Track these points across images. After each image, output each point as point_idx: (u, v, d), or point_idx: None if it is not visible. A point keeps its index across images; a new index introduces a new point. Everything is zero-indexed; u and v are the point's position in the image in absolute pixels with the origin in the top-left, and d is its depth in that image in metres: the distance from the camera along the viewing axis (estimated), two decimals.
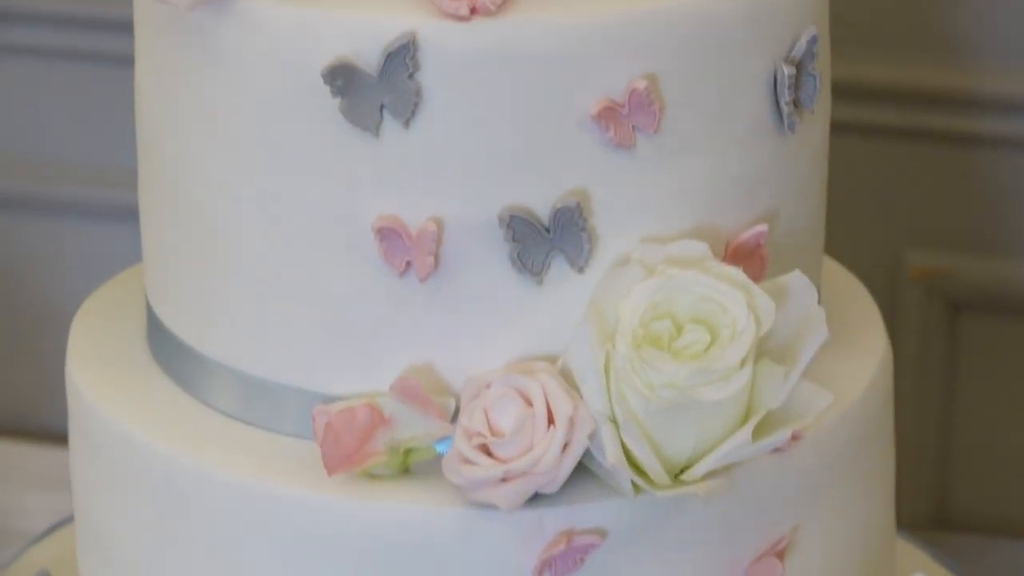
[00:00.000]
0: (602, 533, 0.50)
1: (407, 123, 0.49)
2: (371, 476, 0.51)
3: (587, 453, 0.49)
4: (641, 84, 0.49)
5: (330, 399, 0.52)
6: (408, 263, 0.50)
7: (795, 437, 0.50)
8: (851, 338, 0.59)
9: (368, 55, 0.49)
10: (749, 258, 0.53)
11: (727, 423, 0.49)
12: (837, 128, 0.60)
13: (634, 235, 0.51)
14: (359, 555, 0.51)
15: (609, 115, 0.49)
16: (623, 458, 0.48)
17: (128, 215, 0.66)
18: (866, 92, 0.82)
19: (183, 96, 0.54)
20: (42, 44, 0.92)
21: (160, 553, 0.55)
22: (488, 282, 0.51)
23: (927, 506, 0.89)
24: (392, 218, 0.50)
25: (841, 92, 0.62)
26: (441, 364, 0.52)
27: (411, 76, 0.48)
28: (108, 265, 0.70)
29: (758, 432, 0.49)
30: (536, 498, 0.49)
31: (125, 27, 0.61)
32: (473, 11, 0.48)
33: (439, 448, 0.51)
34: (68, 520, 0.69)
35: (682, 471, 0.49)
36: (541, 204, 0.50)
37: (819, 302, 0.52)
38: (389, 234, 0.50)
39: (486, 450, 0.48)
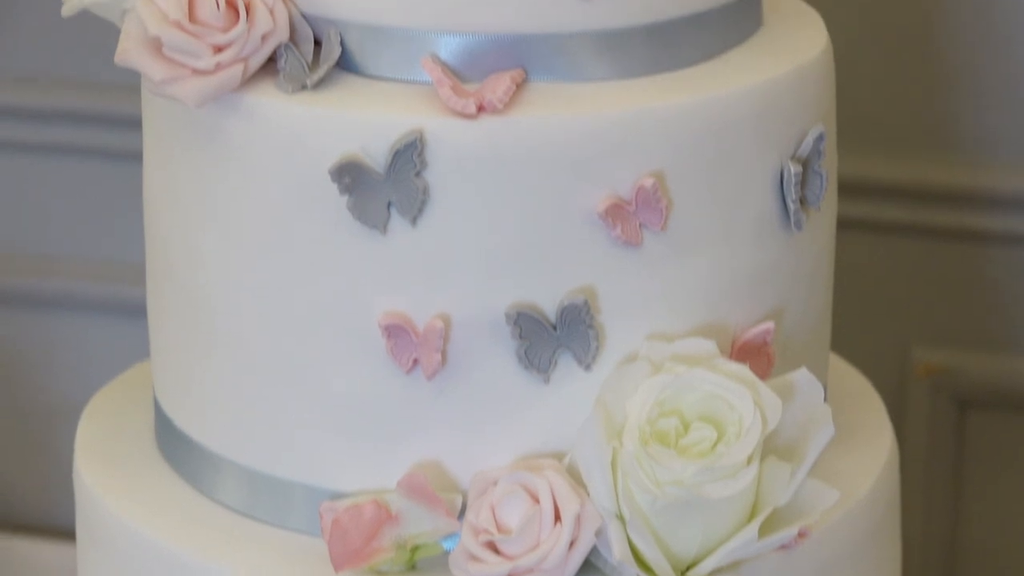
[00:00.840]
0: None
1: (414, 221, 0.49)
2: (378, 572, 0.51)
3: (594, 550, 0.49)
4: (648, 182, 0.49)
5: (337, 495, 0.52)
6: (415, 360, 0.50)
7: (802, 534, 0.50)
8: (858, 435, 0.59)
9: (375, 153, 0.49)
10: (756, 355, 0.53)
11: (734, 520, 0.49)
12: (843, 224, 0.61)
13: (641, 332, 0.51)
14: None
15: (616, 212, 0.49)
16: (630, 555, 0.48)
17: (137, 311, 0.66)
18: (872, 189, 0.82)
19: (191, 191, 0.55)
20: (51, 140, 0.92)
21: None
22: (495, 379, 0.51)
23: None
24: (399, 315, 0.50)
25: (847, 188, 0.62)
26: (448, 460, 0.52)
27: (418, 174, 0.49)
28: (116, 361, 0.70)
29: (765, 529, 0.48)
30: None
31: (133, 123, 0.62)
32: (480, 109, 0.48)
33: (446, 545, 0.51)
34: None
35: (689, 568, 0.49)
36: (548, 301, 0.50)
37: (826, 399, 0.52)
38: (396, 331, 0.50)
39: (493, 547, 0.48)
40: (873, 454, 0.59)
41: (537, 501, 0.48)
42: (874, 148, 0.83)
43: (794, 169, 0.53)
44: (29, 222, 0.94)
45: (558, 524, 0.48)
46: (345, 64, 0.52)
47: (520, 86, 0.50)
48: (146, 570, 0.55)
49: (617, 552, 0.48)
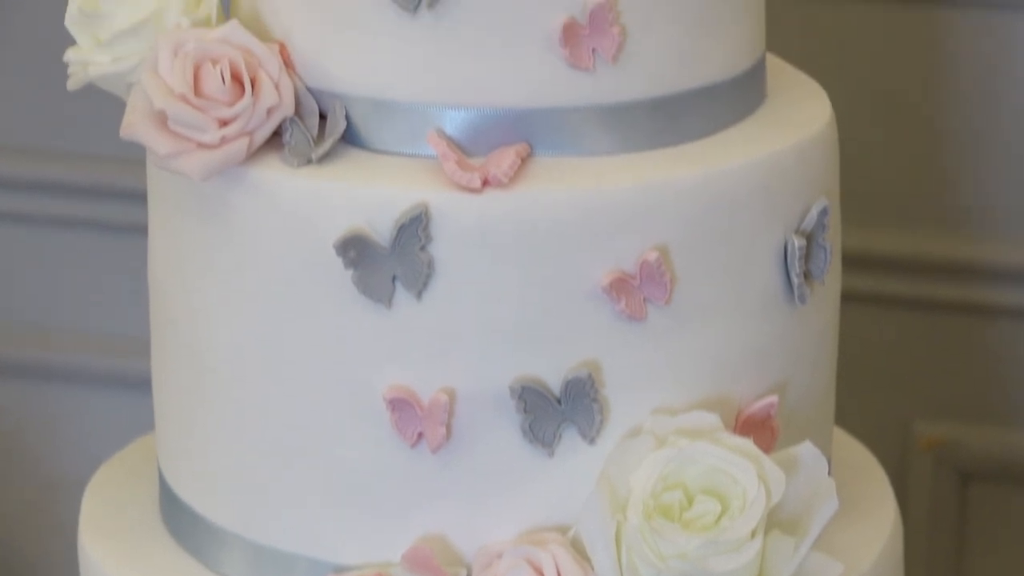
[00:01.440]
0: None
1: (419, 295, 0.49)
2: None
3: None
4: (652, 256, 0.50)
5: (341, 568, 0.52)
6: (420, 434, 0.50)
7: None
8: (861, 507, 0.59)
9: (380, 227, 0.49)
10: (760, 429, 0.53)
11: None
12: (847, 297, 0.61)
13: (645, 405, 0.51)
14: None
15: (620, 287, 0.50)
16: None
17: (140, 384, 0.66)
18: (876, 262, 0.83)
19: (195, 264, 0.55)
20: (54, 212, 0.92)
21: None
22: (499, 453, 0.51)
23: None
24: (404, 389, 0.50)
25: (851, 262, 0.62)
26: (452, 534, 0.52)
27: (423, 248, 0.49)
28: (119, 435, 0.70)
29: None
30: None
31: (138, 196, 0.62)
32: (485, 183, 0.49)
33: None
34: None
35: None
36: (552, 375, 0.50)
37: (829, 472, 0.52)
38: (401, 405, 0.50)
39: None
40: (876, 527, 0.59)
41: (541, 575, 0.48)
42: (877, 221, 0.83)
43: (798, 243, 0.53)
44: (32, 295, 0.94)
45: None
46: (350, 138, 0.52)
47: (525, 160, 0.50)
48: None
49: None
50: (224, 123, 0.50)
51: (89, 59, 0.55)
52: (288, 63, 0.52)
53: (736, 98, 0.55)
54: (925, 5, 0.82)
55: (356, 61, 0.52)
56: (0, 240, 0.93)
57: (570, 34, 0.50)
